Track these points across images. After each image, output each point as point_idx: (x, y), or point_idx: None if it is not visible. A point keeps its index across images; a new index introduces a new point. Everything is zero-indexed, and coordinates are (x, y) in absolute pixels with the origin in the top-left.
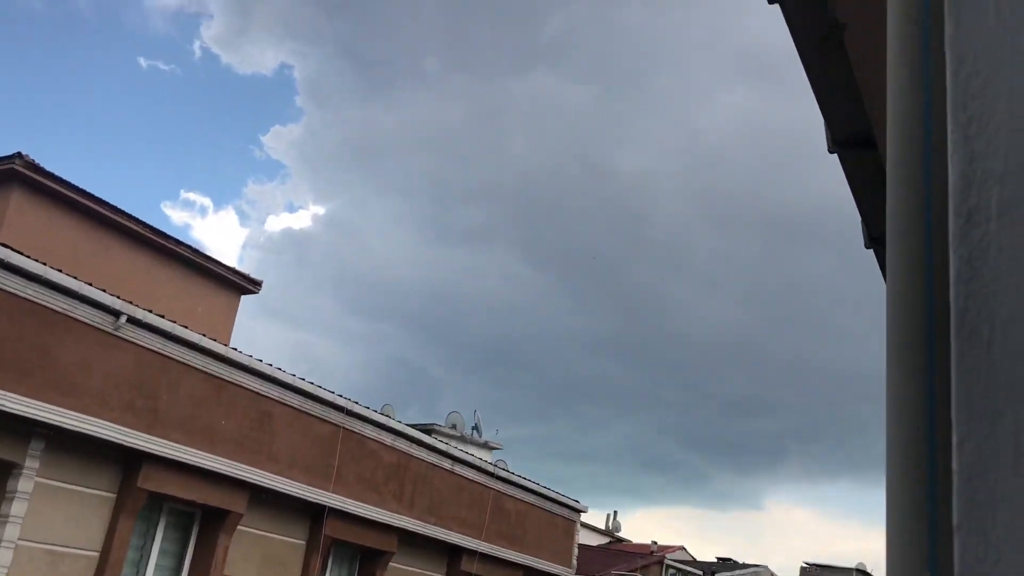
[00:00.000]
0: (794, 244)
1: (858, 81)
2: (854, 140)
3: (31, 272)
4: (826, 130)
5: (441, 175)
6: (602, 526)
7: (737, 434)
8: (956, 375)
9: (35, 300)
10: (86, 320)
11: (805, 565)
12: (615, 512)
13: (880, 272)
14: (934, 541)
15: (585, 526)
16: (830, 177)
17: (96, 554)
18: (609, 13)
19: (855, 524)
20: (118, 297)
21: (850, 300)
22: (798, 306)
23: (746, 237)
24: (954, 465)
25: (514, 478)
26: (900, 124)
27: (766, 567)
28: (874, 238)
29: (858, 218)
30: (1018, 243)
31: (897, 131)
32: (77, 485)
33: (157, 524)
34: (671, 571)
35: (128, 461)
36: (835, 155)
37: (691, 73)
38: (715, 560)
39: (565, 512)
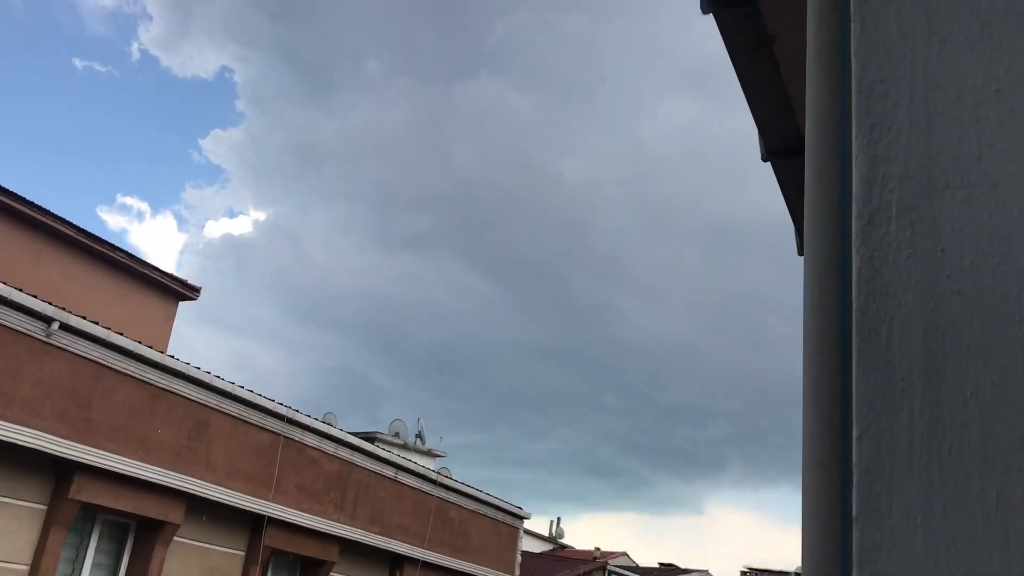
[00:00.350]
0: (733, 253)
1: (789, 91)
2: (786, 149)
3: None
4: (760, 139)
5: (384, 181)
6: (546, 532)
7: (679, 440)
8: (857, 371)
9: None
10: (16, 327)
11: (745, 570)
12: (558, 519)
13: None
14: (846, 532)
15: (528, 533)
16: (767, 186)
17: (26, 567)
18: (553, 21)
19: (796, 529)
20: (50, 303)
21: (788, 308)
22: (738, 314)
23: (687, 246)
24: (854, 458)
25: (457, 485)
26: (817, 130)
27: (707, 572)
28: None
29: (792, 226)
30: (917, 244)
31: (814, 136)
32: (5, 497)
33: (90, 536)
34: None
35: (60, 471)
36: (769, 164)
37: (634, 82)
38: (657, 565)
39: (508, 519)
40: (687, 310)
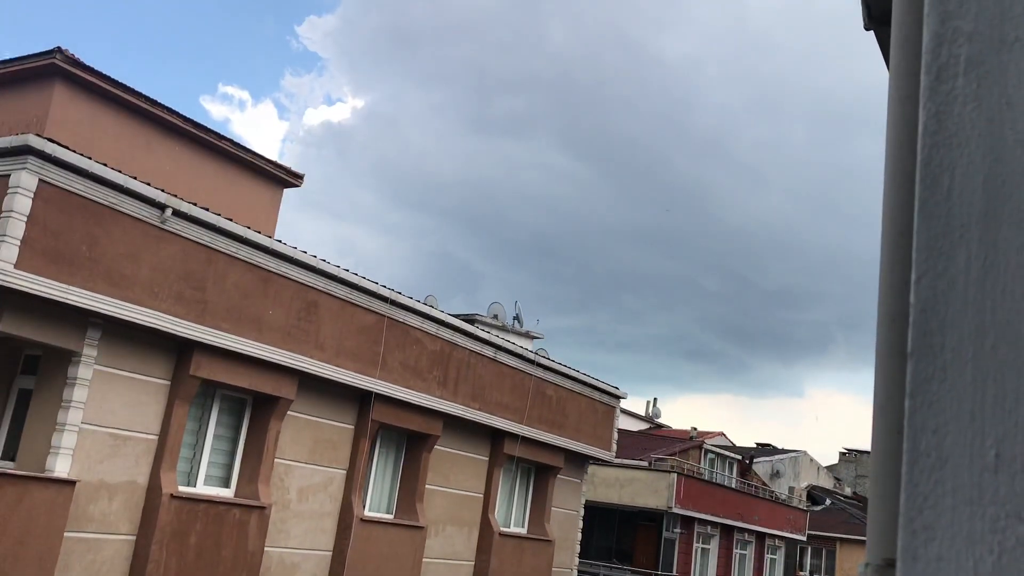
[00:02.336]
0: (839, 130)
1: None
2: (890, 15)
3: (77, 166)
4: (862, 5)
5: (479, 63)
6: (642, 412)
7: (780, 324)
8: (918, 219)
9: (82, 194)
10: (133, 213)
11: (844, 451)
12: (655, 399)
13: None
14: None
15: (625, 412)
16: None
17: (155, 438)
18: None
19: None
20: (163, 191)
21: None
22: (843, 194)
23: (792, 124)
24: (911, 299)
25: (554, 365)
26: None
27: (804, 451)
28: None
29: None
30: (983, 97)
31: (901, 2)
32: (134, 372)
33: (211, 410)
34: (710, 456)
35: (180, 350)
36: (871, 32)
37: None
38: (754, 446)
39: (605, 398)
40: (791, 190)
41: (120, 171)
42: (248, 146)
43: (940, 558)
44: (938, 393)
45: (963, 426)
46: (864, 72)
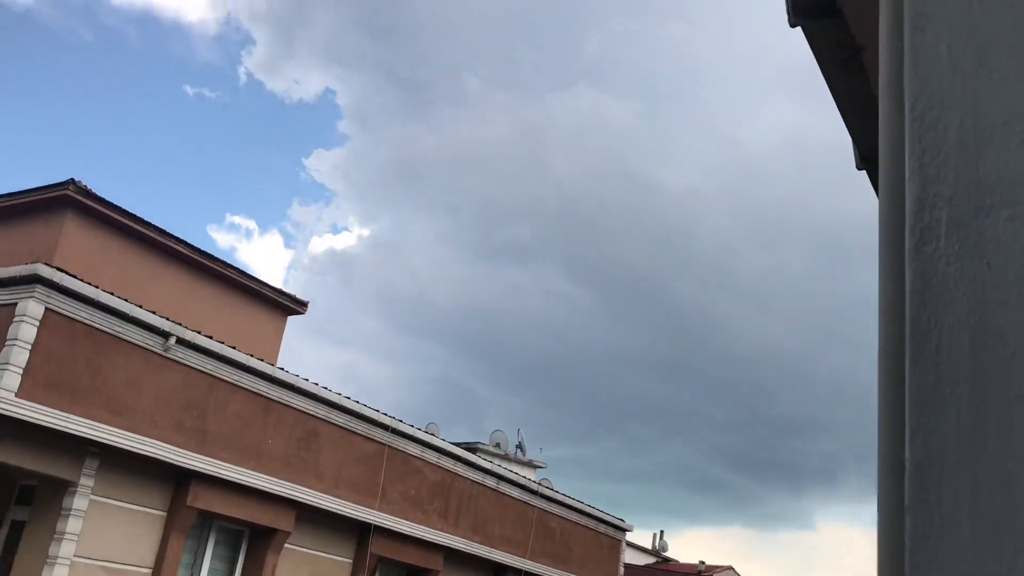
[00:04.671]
0: (840, 259)
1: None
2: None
3: (84, 295)
4: (853, 147)
5: (484, 193)
6: (648, 546)
7: (789, 454)
8: (909, 375)
9: (87, 322)
10: (136, 341)
11: None
12: (661, 532)
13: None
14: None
15: (631, 545)
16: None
17: (148, 571)
18: (649, 29)
19: None
20: (167, 319)
21: None
22: (848, 323)
23: (792, 253)
24: (907, 454)
25: (558, 496)
26: (888, 151)
27: None
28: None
29: None
30: (964, 258)
31: (885, 159)
32: (130, 503)
33: (207, 542)
34: None
35: (178, 479)
36: (864, 172)
37: (734, 87)
38: None
39: (610, 531)
40: (794, 319)
41: (126, 299)
42: (254, 274)
43: None
44: (937, 549)
45: None
46: (862, 204)
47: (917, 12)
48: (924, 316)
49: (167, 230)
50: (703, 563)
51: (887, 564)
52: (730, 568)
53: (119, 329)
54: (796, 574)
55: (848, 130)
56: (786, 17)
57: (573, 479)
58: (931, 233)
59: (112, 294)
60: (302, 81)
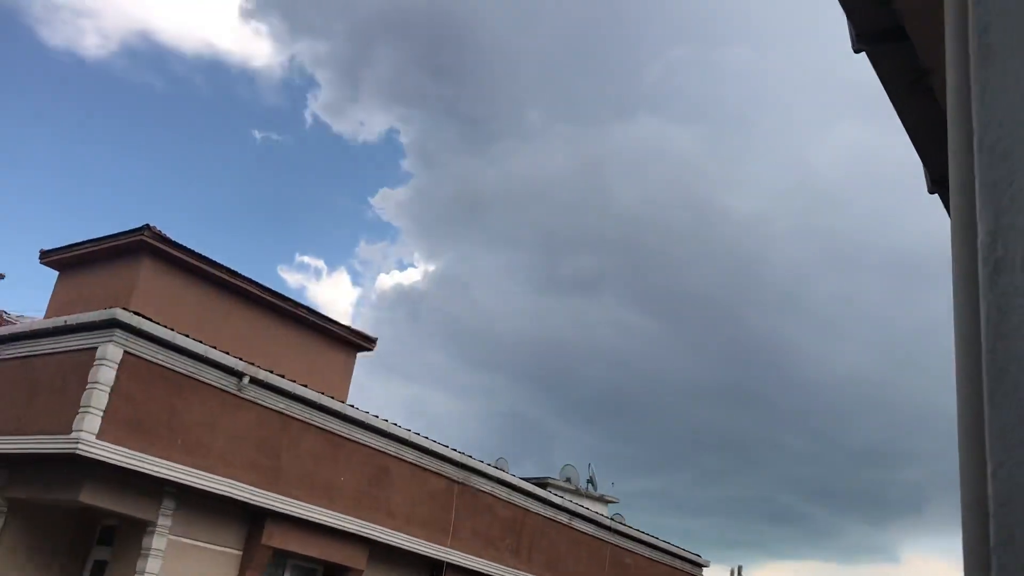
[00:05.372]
0: (918, 283)
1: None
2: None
3: (160, 338)
4: (924, 171)
5: (548, 226)
6: None
7: (870, 484)
8: (989, 409)
9: (164, 364)
10: (211, 382)
11: None
12: (740, 567)
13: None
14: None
15: None
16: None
17: None
18: (710, 55)
19: None
20: (240, 359)
21: None
22: (928, 348)
23: (867, 278)
24: (989, 491)
25: (632, 532)
26: (958, 178)
27: None
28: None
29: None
30: None
31: (956, 182)
32: (206, 542)
33: None
34: None
35: (253, 518)
36: (936, 195)
37: (800, 111)
38: None
39: (687, 567)
40: (872, 345)
41: (200, 341)
42: (323, 312)
43: None
44: None
45: None
46: (937, 227)
47: (983, 42)
48: (1000, 350)
49: (238, 272)
50: None
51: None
52: None
53: (194, 370)
54: None
55: (918, 153)
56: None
57: (646, 513)
58: (1005, 265)
59: (187, 336)
60: (366, 122)
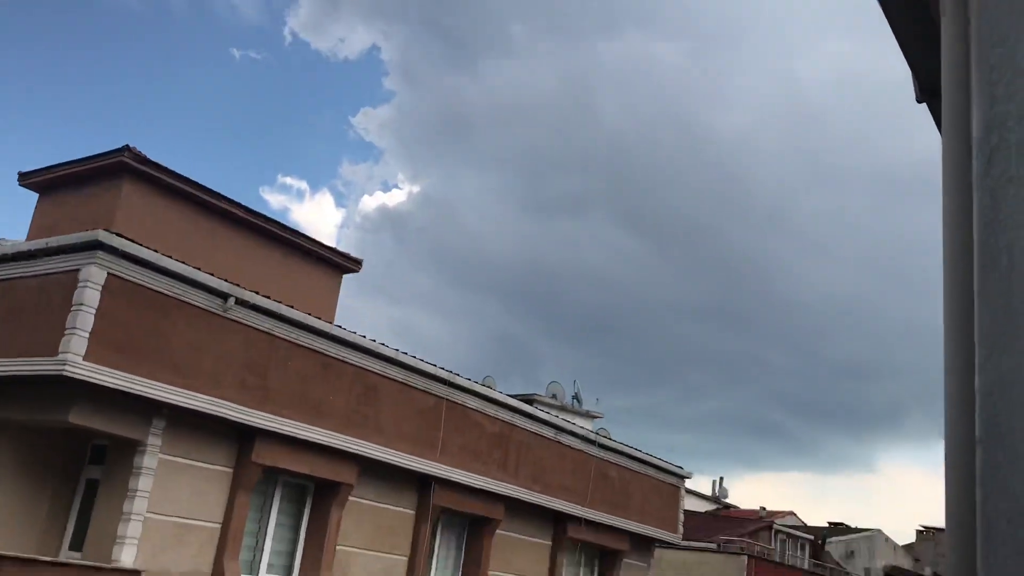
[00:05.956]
0: (903, 198)
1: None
2: (940, 89)
3: (144, 259)
4: (913, 79)
5: (534, 145)
6: (708, 492)
7: (850, 398)
8: (979, 300)
9: (148, 286)
10: (197, 303)
11: (921, 529)
12: (721, 479)
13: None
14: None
15: (691, 492)
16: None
17: (218, 526)
18: None
19: None
20: (226, 280)
21: None
22: (911, 265)
23: (853, 194)
24: (976, 384)
25: (616, 445)
26: (951, 74)
27: (879, 531)
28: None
29: None
30: None
31: (949, 82)
32: (197, 461)
33: (273, 496)
34: (781, 536)
35: (242, 437)
36: (924, 104)
37: (787, 25)
38: (826, 525)
39: (669, 478)
40: (857, 262)
41: (185, 263)
42: (307, 234)
43: None
44: (1010, 480)
45: None
46: (924, 141)
47: None
48: (993, 239)
49: (221, 193)
50: (764, 508)
51: (955, 500)
52: (791, 513)
53: (179, 292)
54: (859, 516)
55: (907, 61)
56: None
57: (631, 428)
58: (1000, 155)
59: (171, 258)
60: (347, 39)
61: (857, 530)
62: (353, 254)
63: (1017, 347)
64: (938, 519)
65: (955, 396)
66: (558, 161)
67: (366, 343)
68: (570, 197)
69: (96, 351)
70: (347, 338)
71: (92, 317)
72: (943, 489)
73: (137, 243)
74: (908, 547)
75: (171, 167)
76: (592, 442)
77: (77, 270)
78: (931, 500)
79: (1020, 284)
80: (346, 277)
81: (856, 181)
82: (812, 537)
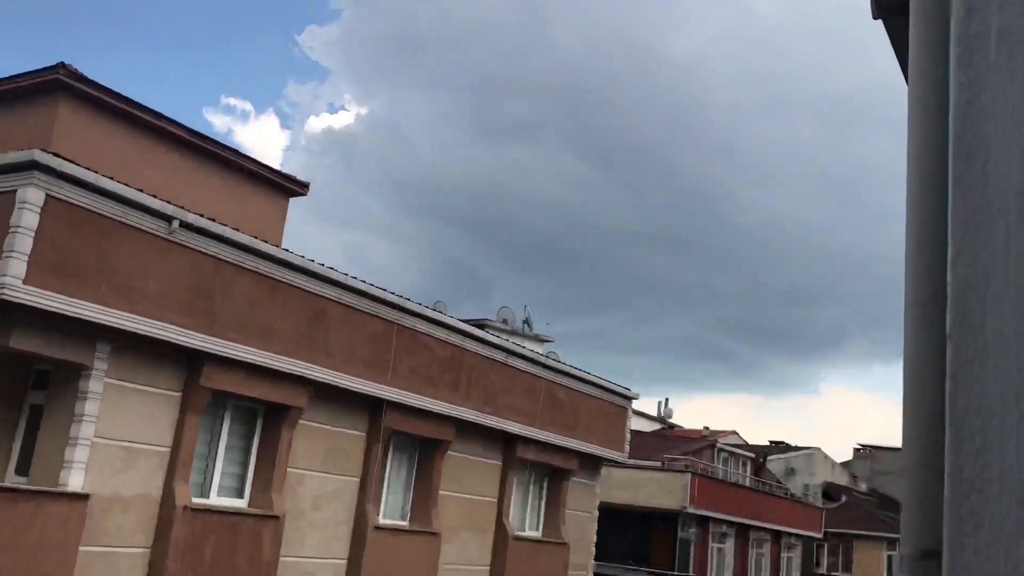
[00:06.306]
0: (853, 127)
1: None
2: (901, 5)
3: (84, 180)
4: None
5: (486, 69)
6: (654, 413)
7: (795, 323)
8: (953, 195)
9: (89, 208)
10: (140, 226)
11: (859, 447)
12: (666, 400)
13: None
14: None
15: (637, 413)
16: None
17: (167, 450)
18: None
19: None
20: (169, 203)
21: None
22: (857, 193)
23: (802, 123)
24: (948, 278)
25: (566, 368)
26: None
27: (818, 449)
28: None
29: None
30: (1015, 70)
31: None
32: (145, 385)
33: (223, 420)
34: (723, 455)
35: (191, 361)
36: (880, 22)
37: None
38: (768, 444)
39: (617, 400)
40: (805, 190)
41: (127, 184)
42: (252, 156)
43: (989, 545)
44: (980, 375)
45: (1008, 408)
46: (876, 68)
47: None
48: (970, 131)
49: (163, 113)
50: (707, 428)
51: (915, 401)
52: (734, 432)
53: (122, 214)
54: (799, 435)
55: None
56: None
57: (581, 352)
58: (979, 43)
59: (112, 179)
60: None
61: (797, 449)
62: (300, 177)
63: (992, 241)
64: (875, 438)
65: (916, 295)
66: (510, 85)
67: (315, 267)
68: (522, 122)
69: (36, 274)
70: (295, 262)
71: (31, 240)
72: (900, 390)
73: (76, 164)
74: (845, 464)
75: (110, 87)
76: (542, 365)
77: (14, 191)
78: (868, 420)
79: (996, 178)
80: (293, 201)
81: (807, 108)
82: (754, 455)
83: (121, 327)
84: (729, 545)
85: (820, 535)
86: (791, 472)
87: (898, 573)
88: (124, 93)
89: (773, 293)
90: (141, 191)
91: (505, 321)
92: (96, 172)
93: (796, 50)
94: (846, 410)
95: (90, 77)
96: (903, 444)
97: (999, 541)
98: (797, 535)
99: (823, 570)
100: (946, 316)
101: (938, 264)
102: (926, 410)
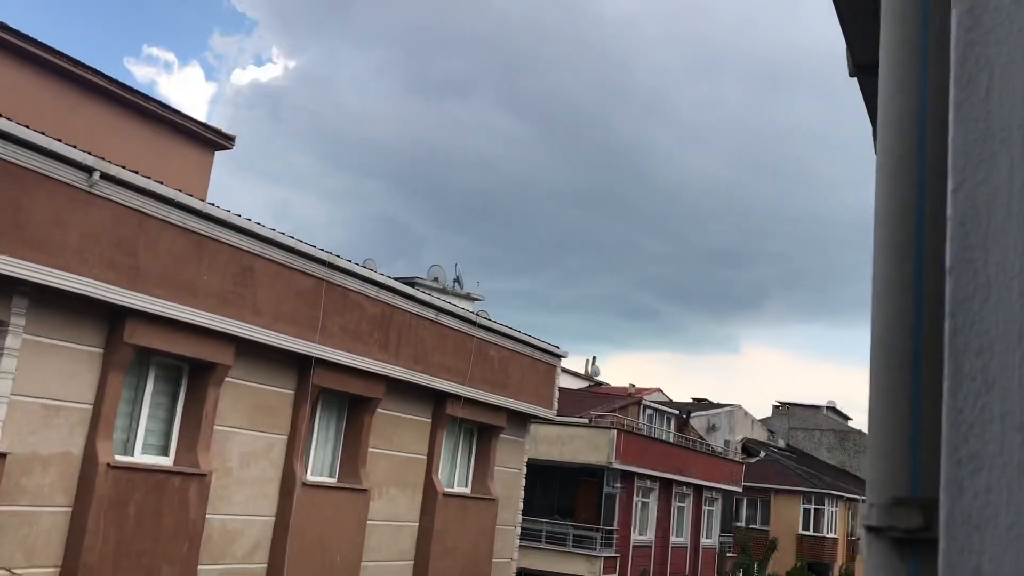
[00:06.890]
0: (779, 90)
1: None
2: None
3: (0, 129)
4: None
5: (418, 23)
6: (582, 371)
7: (718, 283)
8: (954, 123)
9: (4, 158)
10: (59, 177)
11: (778, 404)
12: (594, 358)
13: (864, 104)
14: (920, 285)
15: (566, 371)
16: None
17: (89, 407)
18: None
19: (830, 366)
20: (90, 153)
21: (834, 147)
22: (782, 154)
23: (731, 84)
24: (948, 212)
25: (496, 326)
26: None
27: (739, 406)
28: (859, 66)
29: (843, 51)
30: None
31: None
32: (65, 341)
33: (147, 378)
34: (648, 412)
35: (113, 317)
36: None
37: None
38: (691, 401)
39: (546, 358)
40: (730, 151)
41: (44, 133)
42: (176, 108)
43: (989, 489)
44: (981, 312)
45: (1010, 346)
46: (808, 33)
47: None
48: (972, 56)
49: (82, 62)
50: (633, 386)
51: (883, 345)
52: (658, 390)
53: (39, 165)
54: (721, 393)
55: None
56: None
57: (511, 311)
58: None
59: (28, 128)
60: None
61: (719, 406)
62: (225, 130)
63: (995, 173)
64: (793, 395)
65: (888, 240)
66: (443, 41)
67: (241, 222)
68: (455, 79)
69: None
70: (221, 216)
71: None
72: (821, 349)
73: None
74: (764, 421)
75: (26, 32)
76: (472, 323)
77: None
78: (786, 378)
79: (999, 106)
80: (218, 155)
81: (736, 70)
82: (677, 412)
83: (39, 281)
84: (652, 499)
85: (740, 489)
86: (712, 428)
87: (865, 521)
88: (41, 39)
89: (699, 254)
90: (59, 140)
91: (436, 279)
92: (11, 120)
93: (727, 11)
94: (765, 368)
95: (5, 22)
96: (870, 390)
97: (1000, 484)
98: (718, 489)
99: (742, 523)
100: (919, 257)
101: (910, 202)
102: (893, 357)
